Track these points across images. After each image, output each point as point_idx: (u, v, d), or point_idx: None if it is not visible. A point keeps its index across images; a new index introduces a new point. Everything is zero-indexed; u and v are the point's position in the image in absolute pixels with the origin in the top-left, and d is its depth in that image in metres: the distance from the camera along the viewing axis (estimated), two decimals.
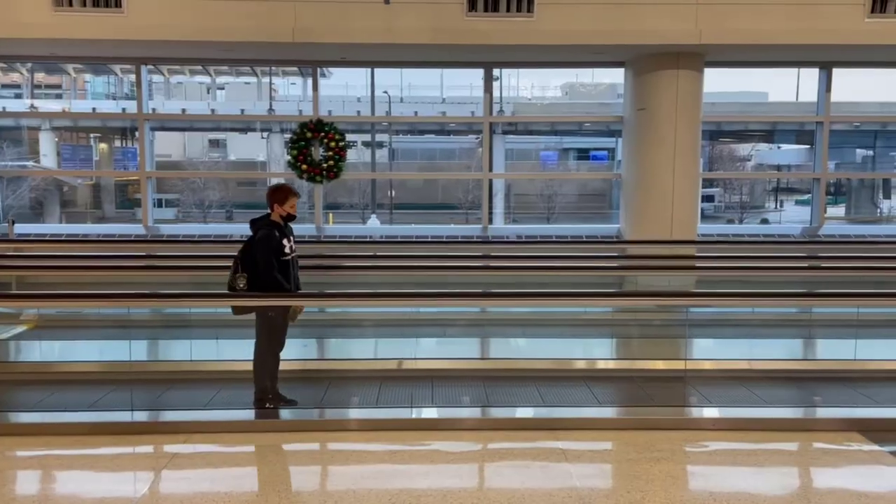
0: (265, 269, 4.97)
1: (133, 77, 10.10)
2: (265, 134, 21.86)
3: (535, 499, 3.77)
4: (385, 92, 19.35)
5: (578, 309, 7.72)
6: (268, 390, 5.15)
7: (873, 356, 6.39)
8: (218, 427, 4.72)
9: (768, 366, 6.18)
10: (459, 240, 9.58)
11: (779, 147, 27.32)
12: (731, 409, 5.19)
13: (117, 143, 24.23)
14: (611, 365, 6.66)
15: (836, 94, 10.17)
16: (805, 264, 7.75)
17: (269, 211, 5.16)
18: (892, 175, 22.31)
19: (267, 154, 21.90)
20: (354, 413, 5.13)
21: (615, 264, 8.29)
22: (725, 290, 6.78)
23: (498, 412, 5.17)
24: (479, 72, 9.85)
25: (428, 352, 6.69)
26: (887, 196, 25.36)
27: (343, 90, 21.12)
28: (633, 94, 9.26)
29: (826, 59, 9.63)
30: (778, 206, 29.93)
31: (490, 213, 10.67)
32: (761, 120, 19.75)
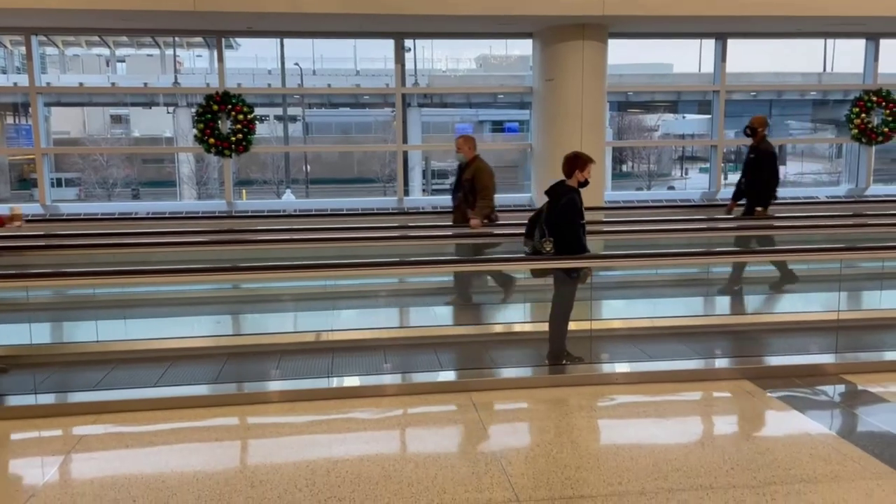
0: (572, 231, 5.23)
1: (24, 49, 9.51)
2: (171, 108, 21.03)
3: (452, 459, 3.90)
4: (296, 64, 18.96)
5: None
6: (564, 348, 5.38)
7: (764, 310, 6.84)
8: (127, 406, 4.63)
9: (670, 323, 6.50)
10: (375, 212, 9.58)
11: (683, 117, 28.45)
12: (637, 364, 5.45)
13: (10, 120, 22.80)
14: (527, 328, 6.88)
15: (734, 65, 10.65)
16: (704, 226, 8.18)
17: (562, 178, 5.35)
18: (788, 141, 23.61)
19: (174, 129, 21.10)
20: (274, 385, 5.12)
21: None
22: (631, 252, 7.13)
23: (419, 377, 5.26)
24: (394, 43, 9.80)
25: (348, 323, 6.71)
26: (783, 162, 26.87)
27: (252, 62, 20.54)
28: (541, 66, 9.43)
29: (722, 31, 10.07)
30: (683, 174, 31.25)
31: (406, 185, 10.71)
32: (666, 90, 20.48)
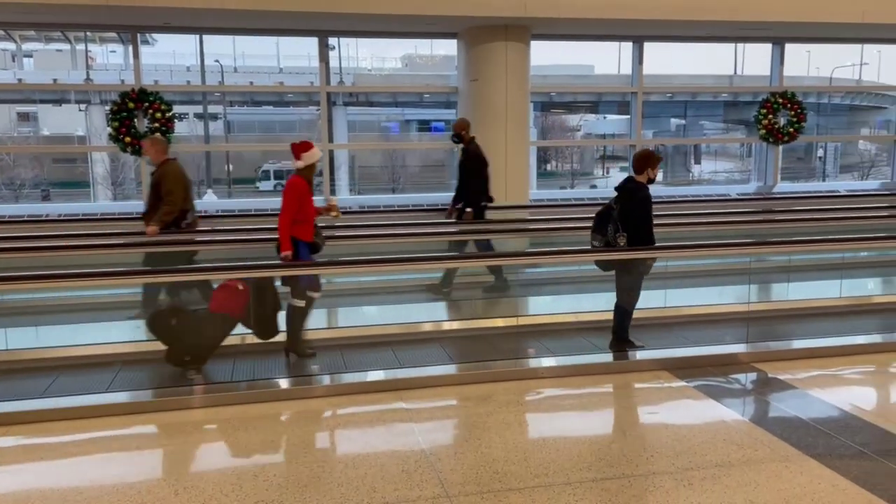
0: (647, 225, 5.53)
1: None
2: (83, 106, 20.14)
3: (381, 458, 3.90)
4: (217, 61, 18.48)
5: (424, 275, 7.92)
6: (628, 337, 5.67)
7: (681, 303, 7.12)
8: (41, 417, 4.43)
9: (594, 317, 6.68)
10: None
11: (604, 117, 29.23)
12: (563, 358, 5.59)
13: None
14: (455, 325, 6.95)
15: (652, 68, 11.03)
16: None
17: (631, 175, 5.62)
18: (702, 141, 24.60)
19: (86, 127, 20.22)
20: (197, 390, 4.98)
21: (454, 230, 8.59)
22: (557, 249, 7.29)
23: (348, 378, 5.23)
24: (318, 41, 9.69)
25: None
26: (698, 161, 28.00)
27: (170, 58, 19.90)
28: (466, 66, 9.52)
29: (639, 34, 10.41)
30: (605, 173, 32.14)
31: (333, 184, 10.62)
32: (587, 91, 20.97)
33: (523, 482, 3.58)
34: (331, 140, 10.54)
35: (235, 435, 4.27)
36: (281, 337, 5.59)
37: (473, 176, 7.70)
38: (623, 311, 5.74)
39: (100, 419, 4.45)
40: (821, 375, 5.20)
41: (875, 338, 6.06)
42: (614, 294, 5.82)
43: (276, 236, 5.57)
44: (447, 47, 10.13)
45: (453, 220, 7.93)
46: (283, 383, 5.23)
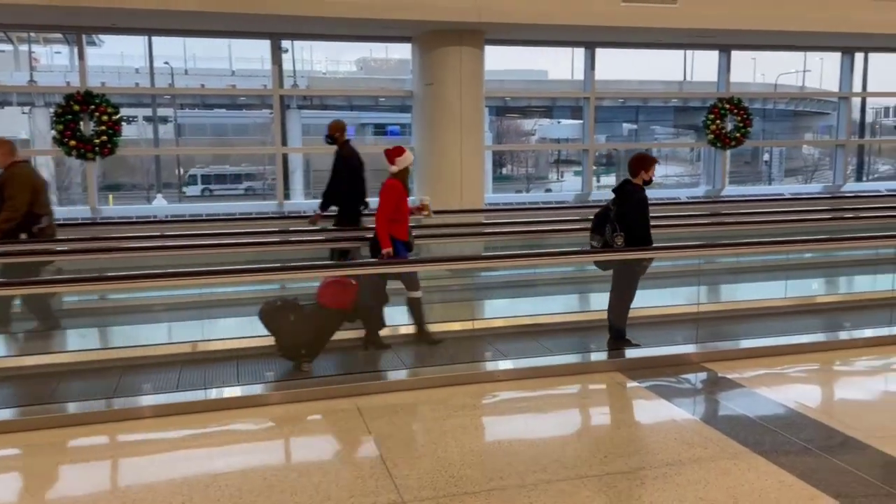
0: (645, 226, 5.73)
1: None
2: (27, 108, 19.51)
3: (336, 465, 3.87)
4: (166, 63, 18.11)
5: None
6: (625, 333, 5.78)
7: (633, 305, 7.21)
8: None
9: (551, 319, 6.74)
10: (254, 216, 9.31)
11: (559, 122, 29.58)
12: (520, 361, 5.60)
13: None
14: (412, 329, 6.92)
15: (604, 73, 11.21)
16: (579, 227, 8.53)
17: (628, 177, 5.79)
18: (653, 146, 25.08)
19: (30, 130, 19.58)
20: (147, 400, 4.86)
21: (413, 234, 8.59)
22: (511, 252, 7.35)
23: (303, 384, 5.17)
24: (270, 44, 9.58)
25: (226, 332, 6.49)
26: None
27: (118, 60, 19.43)
28: (421, 70, 9.53)
29: (591, 40, 10.56)
30: (560, 177, 32.50)
31: (287, 189, 10.51)
32: (541, 96, 21.18)
33: (479, 486, 3.58)
34: (284, 143, 10.43)
35: (187, 444, 4.17)
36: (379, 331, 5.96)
37: (347, 180, 7.40)
38: (620, 308, 5.88)
39: (45, 431, 4.32)
40: (767, 374, 5.34)
41: (819, 336, 6.25)
42: (572, 297, 5.92)
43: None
44: (402, 51, 10.13)
45: (319, 228, 7.56)
46: (237, 391, 5.13)
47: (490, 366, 5.54)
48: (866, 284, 8.46)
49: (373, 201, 6.90)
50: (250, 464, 3.92)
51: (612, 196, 5.94)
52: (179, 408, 4.65)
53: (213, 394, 4.99)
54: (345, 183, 7.44)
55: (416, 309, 6.03)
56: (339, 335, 5.72)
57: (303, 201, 13.09)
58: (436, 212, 9.12)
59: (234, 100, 20.05)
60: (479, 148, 9.65)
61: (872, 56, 12.39)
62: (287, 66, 12.16)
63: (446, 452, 3.99)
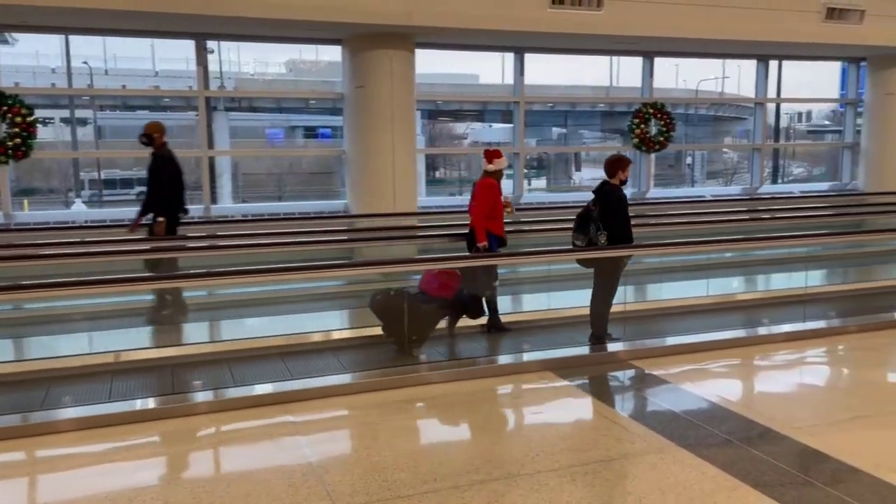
0: (626, 224, 5.99)
1: None
2: None
3: (266, 474, 3.79)
4: (85, 62, 17.37)
5: (314, 284, 7.79)
6: (606, 330, 6.00)
7: (562, 305, 7.36)
8: None
9: (483, 321, 6.77)
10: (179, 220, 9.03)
11: (490, 126, 29.87)
12: (453, 362, 5.63)
13: None
14: (346, 334, 6.85)
15: (534, 78, 11.39)
16: (510, 229, 8.63)
17: (606, 178, 6.04)
18: (581, 149, 25.62)
19: None
20: (67, 413, 4.65)
21: (344, 237, 8.53)
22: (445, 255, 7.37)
23: (233, 392, 5.05)
24: (194, 44, 9.35)
25: (146, 342, 6.30)
26: (578, 168, 29.13)
27: (33, 59, 18.52)
28: (351, 73, 9.46)
29: (520, 45, 10.73)
30: None
31: (214, 192, 10.26)
32: (472, 100, 21.34)
33: (413, 489, 3.58)
34: (211, 146, 10.18)
35: (110, 458, 4.02)
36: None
37: (168, 184, 6.98)
38: (603, 305, 6.09)
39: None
40: (691, 370, 5.52)
41: (739, 332, 6.50)
42: (505, 299, 6.01)
43: None
44: (332, 53, 10.02)
45: (141, 238, 7.06)
46: (162, 401, 4.97)
47: (423, 368, 5.54)
48: (782, 282, 8.86)
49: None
50: (177, 476, 3.81)
51: (597, 196, 6.16)
52: (102, 420, 4.48)
53: (139, 405, 4.82)
54: (165, 188, 6.95)
55: (494, 298, 6.45)
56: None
57: (230, 205, 12.81)
58: (367, 216, 9.13)
59: (157, 101, 19.38)
60: (411, 151, 9.66)
61: (786, 64, 13.02)
62: (214, 67, 11.86)
63: (380, 456, 3.96)
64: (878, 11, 11.02)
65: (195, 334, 6.93)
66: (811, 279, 7.51)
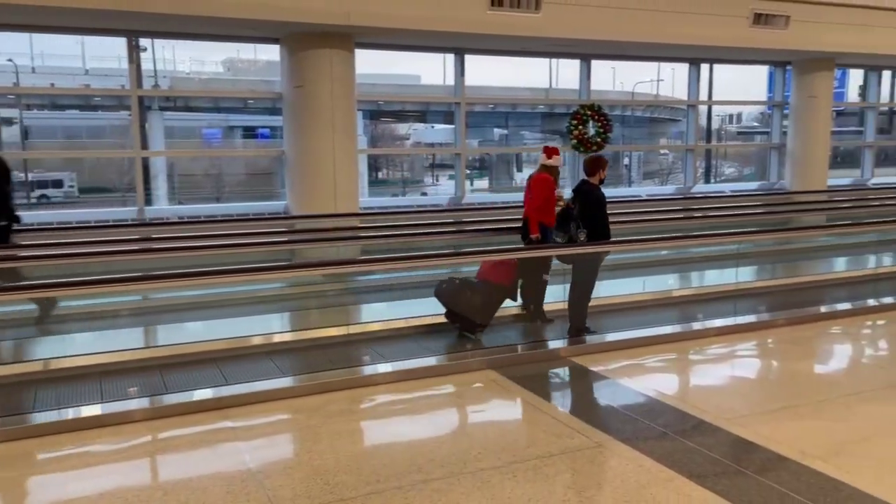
0: (605, 222, 6.27)
1: None
2: None
3: (205, 481, 3.72)
4: (10, 60, 16.68)
5: (251, 287, 7.66)
6: (584, 323, 6.25)
7: (506, 304, 7.41)
8: None
9: (427, 321, 6.78)
10: (111, 224, 8.78)
11: (433, 126, 29.93)
12: (398, 363, 5.57)
13: None
14: (287, 337, 6.77)
15: (476, 79, 11.45)
16: (452, 229, 8.69)
17: (585, 178, 6.38)
18: (522, 150, 25.91)
19: None
20: None
21: (284, 239, 8.41)
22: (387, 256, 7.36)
23: (170, 399, 4.92)
24: (126, 42, 9.08)
25: (80, 348, 6.07)
26: (520, 169, 29.46)
27: None
28: (290, 72, 9.34)
29: (460, 46, 10.78)
30: (435, 181, 32.90)
31: (149, 194, 9.98)
32: (414, 100, 21.35)
33: (355, 491, 3.56)
34: (144, 147, 9.90)
35: (40, 469, 3.86)
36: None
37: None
38: (581, 300, 6.32)
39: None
40: (629, 365, 5.66)
41: (675, 328, 6.69)
42: (463, 296, 6.07)
43: None
44: (271, 52, 9.87)
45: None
46: (97, 410, 4.80)
47: (367, 370, 5.51)
48: (714, 278, 9.15)
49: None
50: (111, 486, 3.69)
51: (577, 194, 6.47)
52: (28, 432, 4.31)
53: (70, 413, 4.65)
54: None
55: (544, 290, 6.76)
56: None
57: (166, 207, 12.50)
58: (308, 216, 9.03)
59: (88, 100, 18.75)
60: (352, 151, 9.59)
61: (717, 67, 13.45)
62: (147, 65, 11.54)
63: (321, 460, 3.93)
64: (803, 17, 11.50)
65: (126, 340, 6.72)
66: (741, 275, 7.79)
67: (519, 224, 7.11)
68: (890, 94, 15.96)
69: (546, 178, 6.81)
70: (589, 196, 6.35)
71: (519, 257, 6.53)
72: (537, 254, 6.57)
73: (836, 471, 3.69)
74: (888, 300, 7.52)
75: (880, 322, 7.10)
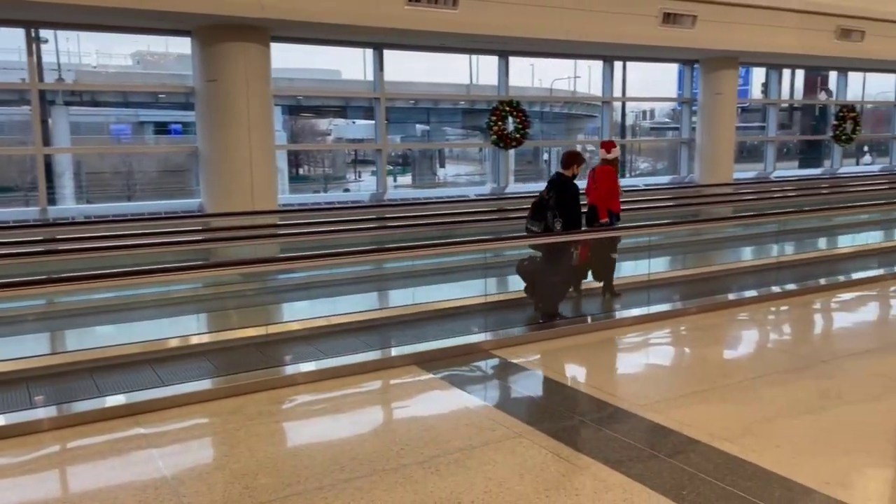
0: (576, 212, 6.69)
1: None
2: None
3: (115, 491, 3.57)
4: None
5: (163, 288, 7.39)
6: (558, 310, 6.71)
7: (429, 299, 7.45)
8: None
9: (349, 319, 6.73)
10: (11, 224, 8.30)
11: (353, 122, 29.66)
12: (319, 362, 5.51)
13: None
14: (205, 339, 6.57)
15: (396, 74, 11.40)
16: (373, 225, 8.65)
17: (561, 170, 6.77)
18: (444, 146, 26.02)
19: None
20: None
21: (199, 238, 8.17)
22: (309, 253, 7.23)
23: (80, 406, 4.69)
24: (24, 33, 8.59)
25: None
26: (442, 165, 29.58)
27: None
28: (202, 66, 9.06)
29: (378, 41, 10.71)
30: (357, 177, 32.63)
31: (53, 193, 9.49)
32: (334, 95, 21.09)
33: (275, 493, 3.49)
34: (47, 143, 9.41)
35: None
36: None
37: None
38: (559, 286, 6.80)
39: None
40: (549, 356, 5.77)
41: (594, 319, 6.85)
42: (371, 296, 6.01)
43: None
44: (183, 46, 9.54)
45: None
46: None
47: (289, 370, 5.41)
48: (629, 269, 9.43)
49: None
50: (12, 501, 3.49)
51: (552, 186, 6.73)
52: None
53: None
54: None
55: (613, 267, 7.44)
56: None
57: (72, 206, 11.93)
58: (223, 215, 8.80)
59: None
60: (269, 147, 9.40)
61: (630, 65, 13.87)
62: (50, 58, 10.96)
63: (239, 463, 3.84)
64: (709, 17, 12.00)
65: (31, 346, 6.38)
66: (654, 266, 8.06)
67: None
68: (790, 92, 16.86)
69: (609, 170, 7.47)
70: (565, 188, 6.69)
71: (536, 243, 6.95)
72: (539, 241, 6.90)
73: (742, 451, 3.87)
74: (791, 287, 7.95)
75: (783, 308, 7.49)
